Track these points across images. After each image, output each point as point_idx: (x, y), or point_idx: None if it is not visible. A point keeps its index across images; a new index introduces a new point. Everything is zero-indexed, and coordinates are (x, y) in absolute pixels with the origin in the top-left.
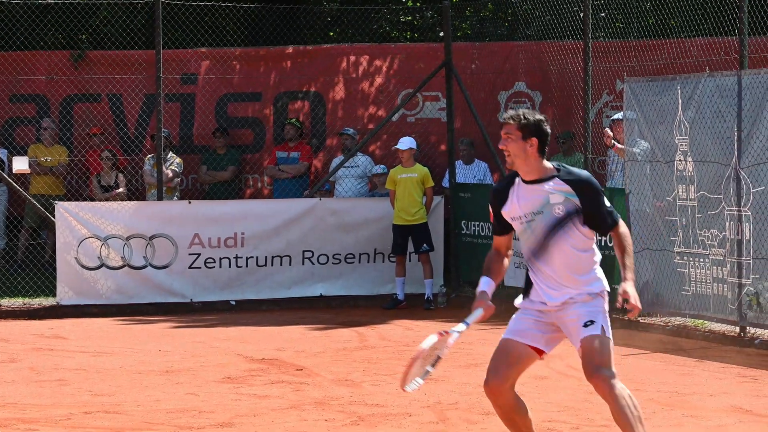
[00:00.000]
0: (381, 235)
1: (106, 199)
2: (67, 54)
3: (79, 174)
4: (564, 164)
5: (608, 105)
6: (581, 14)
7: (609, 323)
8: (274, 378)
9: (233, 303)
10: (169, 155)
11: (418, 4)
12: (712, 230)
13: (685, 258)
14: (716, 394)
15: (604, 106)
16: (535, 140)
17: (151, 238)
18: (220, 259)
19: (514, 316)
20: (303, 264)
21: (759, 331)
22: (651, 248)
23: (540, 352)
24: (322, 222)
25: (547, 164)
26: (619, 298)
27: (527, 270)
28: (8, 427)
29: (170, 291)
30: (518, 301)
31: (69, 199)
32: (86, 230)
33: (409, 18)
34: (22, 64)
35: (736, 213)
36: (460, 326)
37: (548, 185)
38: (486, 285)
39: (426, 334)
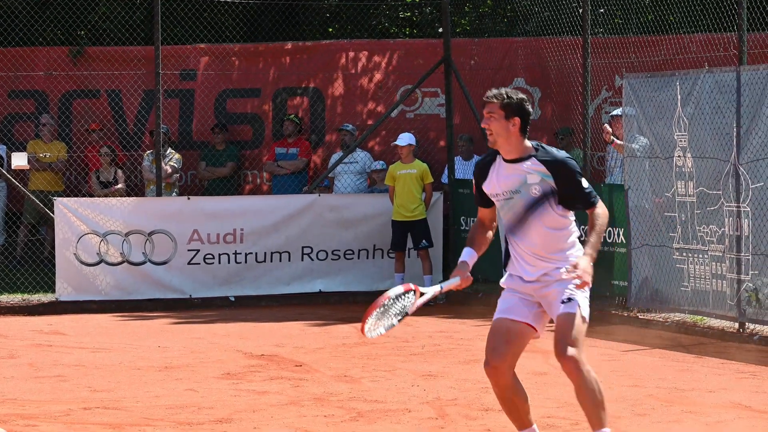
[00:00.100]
0: (380, 231)
1: (105, 195)
2: (66, 50)
3: (78, 170)
4: (543, 144)
5: (607, 101)
6: (580, 10)
7: (587, 303)
8: (274, 374)
9: (232, 299)
10: (168, 151)
11: (416, 0)
12: (711, 226)
13: (684, 254)
14: (715, 390)
15: (603, 102)
16: (517, 120)
17: (150, 234)
18: (219, 255)
19: (501, 296)
20: (302, 260)
21: (758, 327)
22: (650, 244)
23: (535, 329)
24: (321, 218)
25: (528, 144)
26: (569, 267)
27: (506, 243)
28: (7, 423)
29: (169, 287)
30: (503, 280)
31: (68, 195)
32: (85, 226)
33: (408, 14)
34: (21, 60)
35: (735, 209)
36: (435, 288)
37: (526, 165)
38: (467, 255)
39: (425, 330)
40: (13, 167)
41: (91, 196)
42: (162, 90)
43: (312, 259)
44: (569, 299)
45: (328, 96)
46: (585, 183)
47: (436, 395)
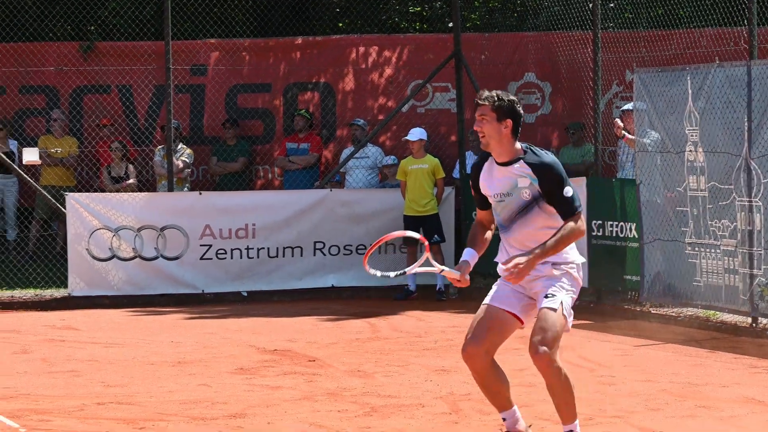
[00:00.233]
0: (392, 226)
1: (117, 191)
2: (76, 45)
3: (90, 165)
4: (533, 146)
5: (618, 96)
6: (590, 4)
7: (570, 302)
8: (287, 369)
9: (245, 294)
10: (179, 146)
11: None
12: (723, 221)
13: (697, 249)
14: (728, 384)
15: (614, 96)
16: (509, 122)
17: (162, 229)
18: (232, 250)
19: (495, 283)
20: (314, 255)
21: None
22: (662, 239)
23: (520, 321)
24: (333, 213)
25: (518, 146)
26: (509, 265)
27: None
28: (21, 418)
29: (182, 282)
30: (500, 269)
31: (80, 191)
32: (97, 221)
33: (418, 9)
34: (32, 56)
35: (747, 203)
36: (437, 266)
37: (515, 168)
38: (469, 255)
39: (438, 325)
40: (24, 162)
41: (103, 191)
42: (173, 85)
43: (324, 254)
44: (553, 295)
45: (339, 91)
46: (569, 191)
47: (449, 390)
